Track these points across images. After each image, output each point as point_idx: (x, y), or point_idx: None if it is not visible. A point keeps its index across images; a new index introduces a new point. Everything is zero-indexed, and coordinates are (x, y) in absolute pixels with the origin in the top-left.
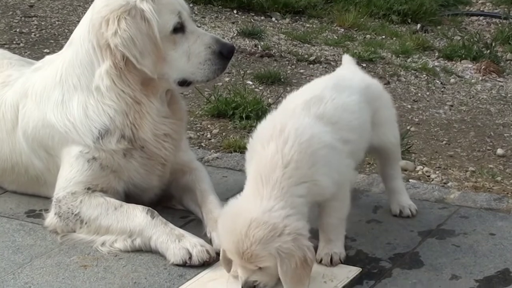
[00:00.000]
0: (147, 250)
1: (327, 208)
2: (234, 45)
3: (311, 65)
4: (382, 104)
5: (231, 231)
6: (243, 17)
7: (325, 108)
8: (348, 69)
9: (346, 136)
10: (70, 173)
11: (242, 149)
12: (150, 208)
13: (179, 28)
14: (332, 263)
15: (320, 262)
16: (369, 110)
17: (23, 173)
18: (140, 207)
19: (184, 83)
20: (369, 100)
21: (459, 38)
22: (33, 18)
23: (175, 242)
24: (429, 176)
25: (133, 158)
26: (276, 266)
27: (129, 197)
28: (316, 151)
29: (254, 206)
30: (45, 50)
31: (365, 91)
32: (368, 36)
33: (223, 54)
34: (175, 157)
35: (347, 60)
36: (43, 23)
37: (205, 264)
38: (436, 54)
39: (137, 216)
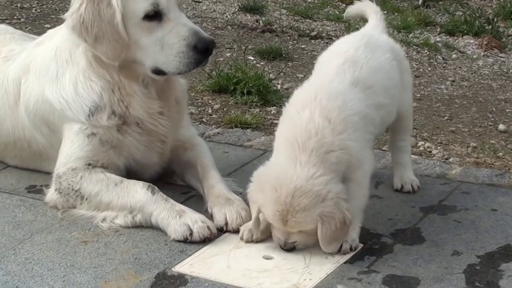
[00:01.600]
0: (148, 226)
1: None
2: (214, 40)
3: (312, 41)
4: (404, 69)
5: (274, 200)
6: None
7: (360, 72)
8: (374, 28)
9: (381, 101)
10: (70, 148)
11: (243, 125)
12: (151, 184)
13: (153, 16)
14: (340, 251)
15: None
16: (398, 69)
17: (26, 147)
18: (140, 183)
19: (158, 72)
20: (398, 60)
21: (461, 13)
22: None
23: (176, 218)
24: (430, 151)
25: (128, 134)
26: (316, 228)
27: (130, 174)
28: (350, 115)
29: (295, 173)
30: (46, 25)
31: (393, 51)
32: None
33: (197, 48)
34: (175, 134)
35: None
36: None
37: (206, 240)
38: (438, 29)
39: (138, 192)
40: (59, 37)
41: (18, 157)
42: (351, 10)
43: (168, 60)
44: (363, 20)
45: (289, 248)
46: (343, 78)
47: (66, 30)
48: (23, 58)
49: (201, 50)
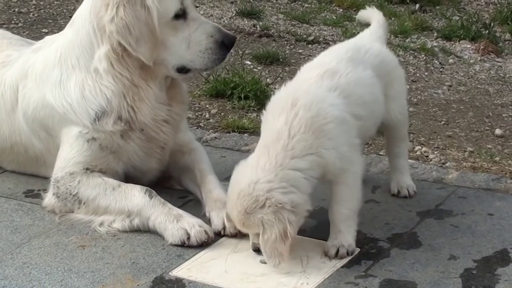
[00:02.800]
0: (146, 230)
1: (337, 195)
2: (236, 36)
3: (309, 45)
4: (394, 79)
5: (229, 197)
6: None
7: (338, 81)
8: (368, 38)
9: (357, 111)
10: (69, 153)
11: (240, 129)
12: (148, 188)
13: (180, 15)
14: (337, 256)
15: (326, 253)
16: (381, 85)
17: (23, 152)
18: (138, 187)
19: (182, 69)
20: (382, 74)
21: (457, 18)
22: None
23: (173, 223)
24: (427, 156)
25: (131, 139)
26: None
27: (128, 179)
28: (324, 124)
29: (245, 176)
30: (43, 30)
31: (379, 66)
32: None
33: (225, 44)
34: (174, 139)
35: (377, 21)
36: (41, 3)
37: (204, 245)
38: (435, 34)
39: (135, 196)
40: (60, 42)
41: (14, 162)
42: (362, 15)
43: (195, 57)
44: (360, 25)
45: (254, 249)
46: (320, 84)
47: (74, 36)
48: (21, 64)
49: (228, 45)
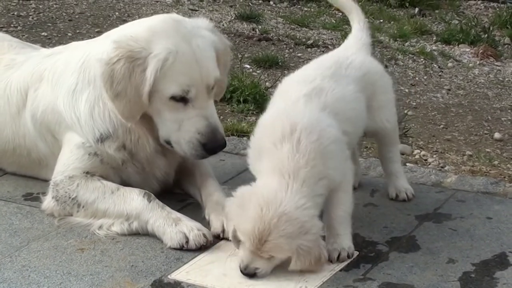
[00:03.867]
0: (144, 234)
1: (334, 200)
2: (225, 143)
3: (308, 49)
4: (379, 89)
5: (258, 218)
6: (241, 0)
7: (326, 99)
8: (352, 47)
9: (345, 128)
10: (69, 158)
11: (239, 133)
12: (147, 192)
13: (180, 99)
14: (339, 259)
15: (328, 258)
16: (364, 98)
17: (25, 155)
18: (137, 190)
19: (169, 143)
20: (365, 86)
21: (457, 22)
22: (31, 1)
23: (172, 226)
24: (426, 160)
25: (130, 168)
26: (285, 257)
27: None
28: (326, 147)
29: (286, 198)
30: (42, 34)
31: (362, 79)
32: (366, 20)
33: (205, 148)
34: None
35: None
36: (40, 6)
37: (202, 248)
38: (434, 38)
39: (134, 200)
40: (87, 50)
41: (15, 164)
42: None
43: (179, 141)
44: None
45: (248, 273)
46: (312, 106)
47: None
48: (32, 67)
49: (208, 151)
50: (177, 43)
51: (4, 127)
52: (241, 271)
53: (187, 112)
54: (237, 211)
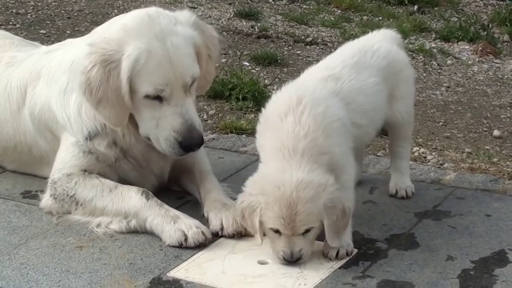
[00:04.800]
0: (143, 232)
1: None
2: (202, 141)
3: (307, 46)
4: (402, 79)
5: (279, 198)
6: None
7: (341, 87)
8: (379, 37)
9: (356, 120)
10: (66, 156)
11: (238, 130)
12: (145, 190)
13: (155, 97)
14: (337, 257)
15: (326, 255)
16: (387, 89)
17: (26, 152)
18: (135, 188)
19: (149, 139)
20: (389, 76)
21: (456, 19)
22: None
23: (170, 224)
24: (425, 157)
25: (125, 164)
26: (317, 228)
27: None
28: (331, 123)
29: (293, 171)
30: (41, 31)
31: (387, 68)
32: (365, 17)
33: (181, 145)
34: (170, 168)
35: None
36: (39, 4)
37: (201, 246)
38: (433, 35)
39: (132, 198)
40: (79, 49)
41: (17, 161)
42: None
43: (157, 139)
44: (358, 25)
45: (296, 258)
46: (324, 86)
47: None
48: (31, 65)
49: (184, 149)
50: (149, 42)
51: (5, 125)
52: (287, 261)
53: (163, 110)
54: (258, 198)
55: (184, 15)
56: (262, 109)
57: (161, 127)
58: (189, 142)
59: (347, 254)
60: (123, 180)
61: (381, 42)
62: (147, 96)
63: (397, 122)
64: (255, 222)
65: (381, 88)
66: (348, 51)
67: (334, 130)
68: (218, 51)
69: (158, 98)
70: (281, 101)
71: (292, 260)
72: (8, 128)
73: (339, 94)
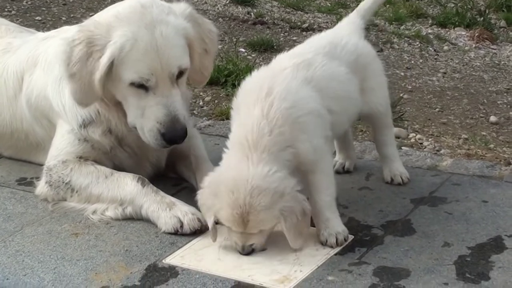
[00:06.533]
0: (139, 219)
1: (315, 184)
2: (184, 134)
3: (304, 33)
4: (371, 72)
5: (231, 202)
6: None
7: (313, 73)
8: (346, 29)
9: (330, 105)
10: (61, 143)
11: None
12: (141, 177)
13: (140, 86)
14: (338, 243)
15: (326, 243)
16: (357, 80)
17: (23, 139)
18: (130, 175)
19: (136, 128)
20: (359, 69)
21: (452, 5)
22: None
23: (166, 211)
24: (421, 143)
25: (120, 152)
26: (273, 226)
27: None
28: (298, 117)
29: (249, 173)
30: (37, 18)
31: (355, 61)
32: (361, 3)
33: (164, 137)
34: (166, 156)
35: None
36: None
37: (197, 233)
38: (430, 21)
39: (128, 185)
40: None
41: (13, 148)
42: None
43: (142, 128)
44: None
45: (247, 252)
46: (295, 74)
47: None
48: (28, 51)
49: (167, 141)
50: (137, 31)
51: (1, 111)
52: (239, 252)
53: (148, 100)
54: (212, 200)
55: (180, 7)
56: (235, 97)
57: (146, 117)
58: (172, 134)
59: (345, 240)
60: (119, 168)
61: (349, 36)
62: (132, 84)
63: (373, 113)
64: (210, 221)
65: (352, 77)
66: (319, 41)
67: (303, 124)
68: (216, 46)
69: (143, 87)
70: (251, 90)
71: (244, 253)
72: (5, 114)
73: (311, 81)
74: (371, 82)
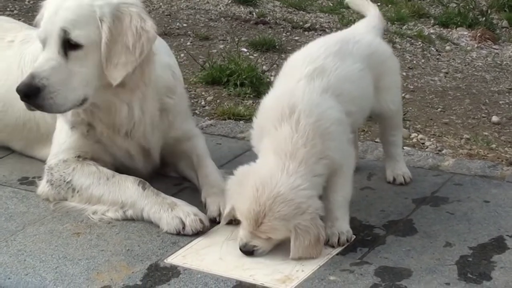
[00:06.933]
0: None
1: (333, 185)
2: (25, 88)
3: (306, 32)
4: (386, 70)
5: (253, 199)
6: None
7: (328, 80)
8: (361, 29)
9: (348, 108)
10: (60, 136)
11: (236, 116)
12: (142, 180)
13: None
14: (339, 243)
15: (327, 242)
16: (371, 77)
17: (35, 129)
18: (131, 178)
19: None
20: (373, 65)
21: (454, 5)
22: None
23: (168, 211)
24: (423, 143)
25: (96, 137)
26: (283, 238)
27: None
28: (326, 128)
29: (281, 179)
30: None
31: (370, 57)
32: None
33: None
34: (161, 142)
35: (373, 15)
36: None
37: (199, 233)
38: (432, 21)
39: (129, 188)
40: None
41: (24, 140)
42: (354, 1)
43: None
44: (356, 11)
45: (247, 250)
46: (313, 87)
47: None
48: None
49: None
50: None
51: (17, 100)
52: (240, 248)
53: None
54: (236, 190)
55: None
56: (254, 118)
57: None
58: (18, 88)
59: (347, 240)
60: (115, 161)
61: (363, 34)
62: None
63: (385, 113)
64: (227, 208)
65: (365, 74)
66: (329, 39)
67: (331, 134)
68: (145, 48)
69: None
70: (273, 110)
71: (243, 250)
72: (20, 103)
73: (328, 89)
74: (386, 80)
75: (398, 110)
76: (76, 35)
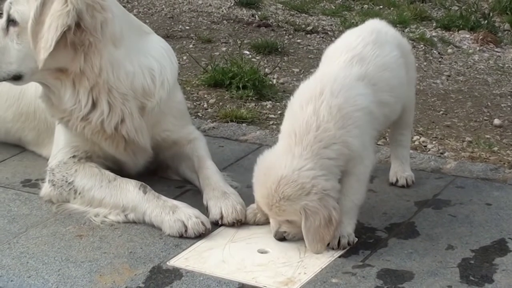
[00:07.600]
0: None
1: (346, 186)
2: None
3: (308, 35)
4: (409, 63)
5: (262, 184)
6: None
7: (367, 68)
8: (381, 22)
9: (385, 98)
10: (57, 135)
11: (238, 119)
12: (143, 184)
13: None
14: (339, 246)
15: (328, 244)
16: (405, 66)
17: (44, 119)
18: (133, 182)
19: None
20: (404, 55)
21: (456, 8)
22: None
23: (170, 214)
24: (425, 146)
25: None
26: (298, 218)
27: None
28: (350, 113)
29: (284, 163)
30: None
31: (400, 48)
32: (365, 6)
33: None
34: (147, 136)
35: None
36: None
37: (201, 236)
38: (434, 24)
39: (130, 192)
40: None
41: (35, 130)
42: None
43: None
44: (358, 14)
45: (279, 237)
46: (349, 72)
47: None
48: None
49: None
50: None
51: (28, 88)
52: (273, 237)
53: None
54: (255, 181)
55: None
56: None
57: None
58: None
59: (349, 244)
60: (107, 157)
61: (387, 26)
62: None
63: (403, 108)
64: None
65: (402, 62)
66: (362, 30)
67: (351, 121)
68: (55, 27)
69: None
70: (306, 90)
71: (276, 238)
72: (31, 90)
73: (365, 77)
74: (408, 74)
75: (412, 106)
76: (13, 11)
